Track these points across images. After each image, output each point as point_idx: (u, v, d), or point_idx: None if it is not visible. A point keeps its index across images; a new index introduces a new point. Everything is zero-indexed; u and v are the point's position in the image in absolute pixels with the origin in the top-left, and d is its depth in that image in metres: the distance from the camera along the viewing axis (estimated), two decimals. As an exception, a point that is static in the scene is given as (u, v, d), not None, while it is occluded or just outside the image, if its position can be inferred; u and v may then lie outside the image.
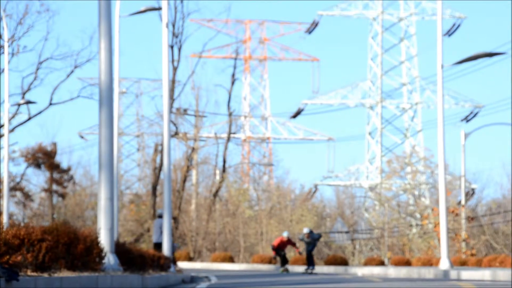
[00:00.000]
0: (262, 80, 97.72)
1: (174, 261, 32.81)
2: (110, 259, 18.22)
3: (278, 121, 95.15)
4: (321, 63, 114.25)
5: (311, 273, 41.46)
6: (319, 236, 44.71)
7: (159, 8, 34.30)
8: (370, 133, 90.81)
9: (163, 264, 27.80)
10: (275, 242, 43.63)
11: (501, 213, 54.85)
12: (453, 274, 30.18)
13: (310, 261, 42.63)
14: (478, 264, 41.29)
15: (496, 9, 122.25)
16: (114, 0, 38.22)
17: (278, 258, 45.14)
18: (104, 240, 18.14)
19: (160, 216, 33.22)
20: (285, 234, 43.29)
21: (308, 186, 79.77)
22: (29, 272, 14.47)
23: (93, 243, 17.33)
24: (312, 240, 42.56)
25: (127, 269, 20.09)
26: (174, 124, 67.15)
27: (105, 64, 17.82)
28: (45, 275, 14.48)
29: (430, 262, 43.66)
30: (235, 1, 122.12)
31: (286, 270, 43.15)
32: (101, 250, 17.61)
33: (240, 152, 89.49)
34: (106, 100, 17.90)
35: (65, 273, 15.21)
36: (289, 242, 43.26)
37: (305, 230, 42.83)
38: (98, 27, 18.01)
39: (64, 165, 76.82)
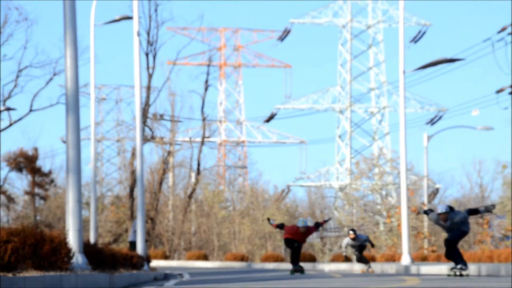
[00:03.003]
0: (237, 86, 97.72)
1: (148, 260, 32.66)
2: (78, 258, 18.12)
3: (253, 125, 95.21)
4: (293, 69, 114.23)
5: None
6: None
7: (132, 17, 34.07)
8: (340, 136, 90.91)
9: (136, 262, 27.63)
10: (287, 232, 28.95)
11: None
12: (414, 269, 30.25)
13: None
14: (438, 260, 41.39)
15: (460, 16, 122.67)
16: (89, 8, 38.15)
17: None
18: (72, 241, 18.02)
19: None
20: (300, 224, 28.73)
21: (281, 187, 79.89)
22: (-4, 272, 14.44)
23: (61, 243, 17.25)
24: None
25: (96, 268, 19.94)
26: (150, 129, 67.13)
27: (71, 72, 17.64)
28: (10, 275, 14.45)
29: (394, 258, 43.74)
30: (210, 9, 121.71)
31: (297, 271, 28.97)
32: (69, 251, 17.52)
33: (216, 155, 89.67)
34: (72, 107, 17.70)
35: (32, 273, 15.16)
36: (309, 231, 29.20)
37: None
38: (64, 36, 17.85)
39: (46, 169, 76.61)
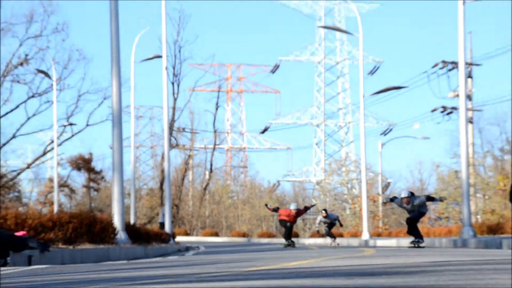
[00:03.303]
0: (240, 106, 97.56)
1: (173, 236, 32.57)
2: (121, 235, 18.10)
3: (252, 135, 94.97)
4: (282, 94, 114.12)
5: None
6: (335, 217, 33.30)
7: (161, 56, 34.05)
8: (316, 144, 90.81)
9: (164, 238, 27.59)
10: (282, 214, 27.62)
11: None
12: (371, 242, 30.21)
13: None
14: (389, 235, 41.40)
15: (404, 54, 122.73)
16: (131, 49, 37.96)
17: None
18: (117, 222, 18.04)
19: (165, 204, 33.04)
20: (292, 207, 27.59)
21: (272, 182, 79.70)
22: (60, 245, 14.47)
23: (109, 224, 17.28)
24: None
25: (135, 242, 19.89)
26: (175, 139, 67.01)
27: (116, 97, 17.70)
28: (71, 247, 14.47)
29: (357, 234, 43.70)
30: (221, 47, 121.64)
31: (290, 245, 27.50)
32: (114, 229, 17.54)
33: (224, 158, 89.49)
34: (117, 123, 17.78)
35: (87, 246, 15.19)
36: (299, 213, 27.96)
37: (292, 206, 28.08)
38: (111, 70, 17.89)
39: (98, 169, 76.53)
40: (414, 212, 20.64)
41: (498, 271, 6.60)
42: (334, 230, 34.08)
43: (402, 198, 20.55)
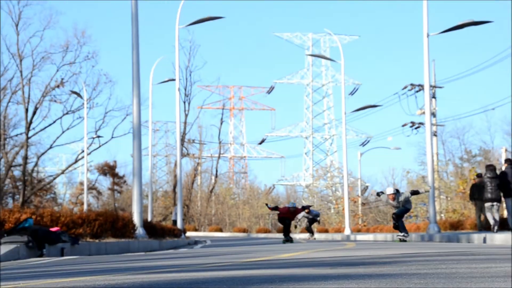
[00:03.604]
0: (241, 121, 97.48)
1: (184, 231, 32.45)
2: (140, 231, 18.07)
3: (251, 146, 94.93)
4: (276, 111, 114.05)
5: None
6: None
7: (175, 79, 34.04)
8: (306, 153, 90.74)
9: (176, 233, 27.54)
10: (281, 211, 24.39)
11: (381, 201, 54.93)
12: (352, 237, 30.14)
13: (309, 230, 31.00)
14: (367, 231, 41.29)
15: (378, 77, 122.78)
16: (149, 72, 37.98)
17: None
18: (136, 219, 18.00)
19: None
20: (290, 205, 24.76)
21: (268, 186, 79.59)
22: (88, 239, 14.42)
23: (129, 221, 17.24)
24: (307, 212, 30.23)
25: (151, 237, 19.87)
26: (186, 149, 66.68)
27: (136, 113, 17.73)
28: (97, 240, 14.41)
29: (340, 230, 43.53)
30: (225, 71, 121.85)
31: (288, 241, 24.06)
32: (134, 225, 17.50)
33: (227, 165, 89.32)
34: (137, 135, 17.82)
35: (110, 240, 15.12)
36: (297, 211, 25.04)
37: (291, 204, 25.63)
38: (132, 91, 17.90)
39: (121, 174, 76.41)
40: (399, 208, 18.92)
41: (458, 261, 6.59)
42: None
43: (388, 195, 18.84)
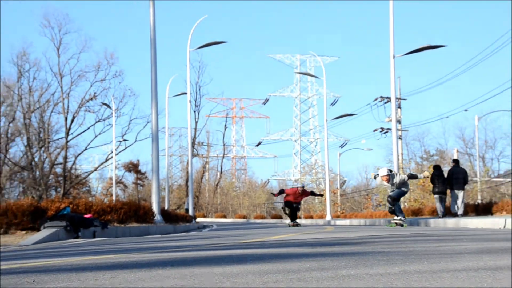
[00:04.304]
0: (241, 127, 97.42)
1: (195, 218, 32.37)
2: (158, 217, 18.07)
3: (250, 147, 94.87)
4: (271, 119, 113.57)
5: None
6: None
7: (186, 93, 33.98)
8: (295, 153, 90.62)
9: (188, 219, 27.50)
10: (289, 194, 20.77)
11: (357, 192, 55.00)
12: (332, 222, 30.02)
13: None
14: (345, 217, 41.14)
15: (353, 91, 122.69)
16: (166, 85, 37.87)
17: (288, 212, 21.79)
18: (155, 208, 18.00)
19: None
20: (299, 185, 20.84)
21: (264, 180, 79.57)
22: (115, 224, 14.43)
23: (149, 209, 17.25)
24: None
25: (167, 222, 19.94)
26: (196, 150, 66.73)
27: (154, 121, 17.73)
28: (122, 225, 14.42)
29: (322, 216, 43.43)
30: (228, 86, 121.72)
31: (295, 225, 20.97)
32: (153, 213, 17.52)
33: (230, 163, 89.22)
34: (155, 139, 17.82)
35: (133, 224, 15.14)
36: (305, 193, 21.19)
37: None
38: (151, 102, 17.90)
39: (143, 171, 76.21)
40: (395, 190, 15.16)
41: (416, 241, 6.62)
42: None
43: (382, 176, 15.03)
